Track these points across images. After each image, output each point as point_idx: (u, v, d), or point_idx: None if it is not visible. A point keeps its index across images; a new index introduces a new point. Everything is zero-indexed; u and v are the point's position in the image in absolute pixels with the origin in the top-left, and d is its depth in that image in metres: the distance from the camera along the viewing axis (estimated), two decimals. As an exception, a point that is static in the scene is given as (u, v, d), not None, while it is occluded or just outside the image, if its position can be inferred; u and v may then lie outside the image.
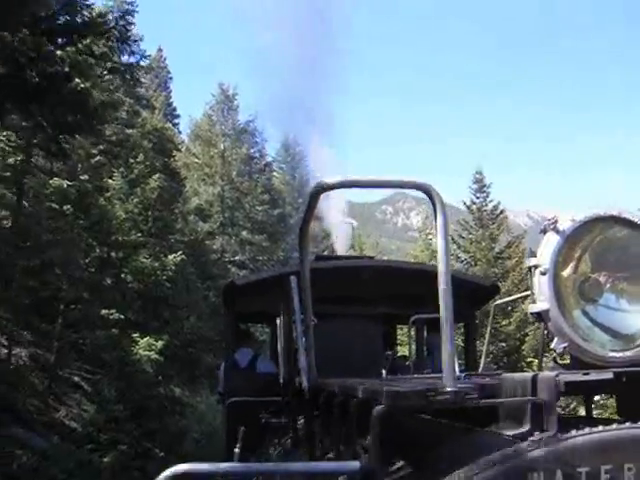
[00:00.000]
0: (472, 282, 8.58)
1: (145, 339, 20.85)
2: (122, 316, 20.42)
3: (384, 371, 6.70)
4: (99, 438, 14.56)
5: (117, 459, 13.76)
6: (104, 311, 19.88)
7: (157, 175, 23.55)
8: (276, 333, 7.05)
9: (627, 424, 2.12)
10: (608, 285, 2.54)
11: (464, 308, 7.47)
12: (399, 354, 10.72)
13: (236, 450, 6.37)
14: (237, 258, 37.77)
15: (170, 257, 22.20)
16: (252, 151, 40.48)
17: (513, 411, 2.35)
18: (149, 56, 34.80)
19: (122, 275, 21.03)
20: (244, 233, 38.03)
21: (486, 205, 30.37)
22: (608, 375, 2.34)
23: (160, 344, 21.05)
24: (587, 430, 2.06)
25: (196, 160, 39.62)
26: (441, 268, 2.18)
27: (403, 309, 7.48)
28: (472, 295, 7.68)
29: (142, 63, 35.45)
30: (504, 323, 27.55)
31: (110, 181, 22.87)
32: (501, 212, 30.46)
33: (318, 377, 3.63)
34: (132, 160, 23.47)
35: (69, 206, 18.98)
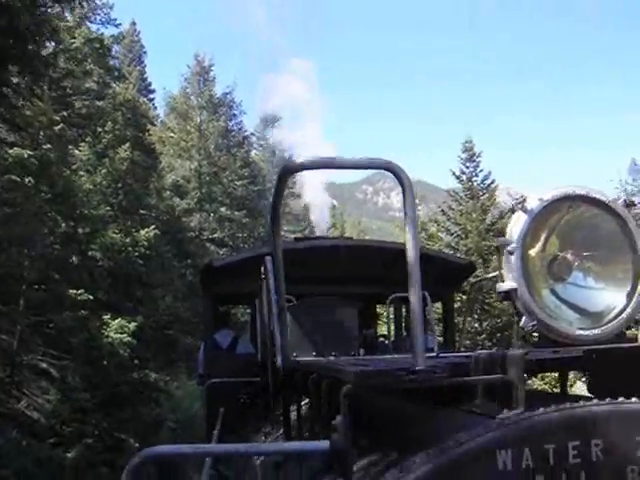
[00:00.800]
0: (448, 260, 8.61)
1: (117, 321, 19.35)
2: (91, 296, 18.94)
3: (362, 350, 6.69)
4: (63, 431, 13.09)
5: (82, 454, 12.28)
6: (72, 291, 18.41)
7: (127, 145, 21.86)
8: (255, 314, 7.11)
9: (594, 401, 2.12)
10: (576, 264, 2.59)
11: (441, 286, 7.59)
12: (380, 333, 10.69)
13: (215, 431, 6.33)
14: (216, 236, 36.17)
15: (142, 232, 20.59)
16: (230, 124, 38.66)
17: (483, 389, 2.37)
18: (120, 24, 33.15)
19: (90, 252, 19.44)
20: (223, 209, 36.34)
21: (476, 175, 28.94)
22: (577, 353, 2.39)
23: (133, 326, 19.55)
24: (554, 407, 2.06)
25: (171, 134, 37.89)
26: (409, 245, 2.18)
27: (383, 288, 7.51)
28: (449, 273, 7.76)
29: (113, 32, 33.89)
30: (496, 298, 26.30)
31: (77, 152, 21.25)
32: (492, 182, 29.04)
33: (296, 356, 3.67)
34: (100, 130, 21.78)
35: (30, 178, 17.42)
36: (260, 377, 6.00)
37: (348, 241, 9.28)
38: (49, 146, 18.48)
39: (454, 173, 28.83)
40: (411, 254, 2.17)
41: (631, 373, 2.38)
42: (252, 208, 37.44)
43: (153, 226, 21.01)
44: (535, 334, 2.65)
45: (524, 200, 2.55)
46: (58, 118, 19.16)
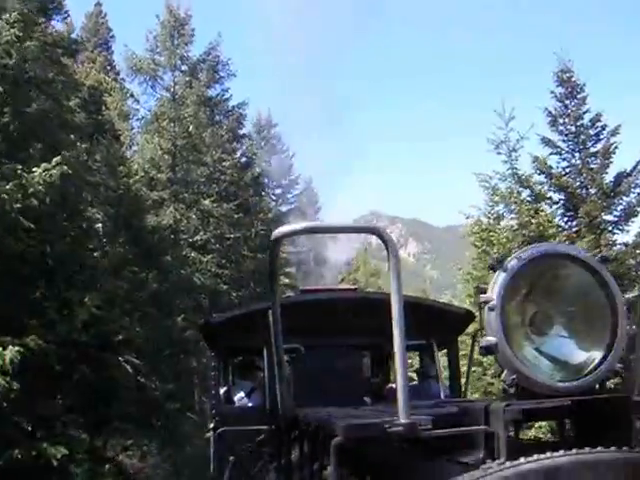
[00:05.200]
0: (448, 310, 8.86)
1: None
2: None
3: (367, 399, 6.86)
4: None
5: None
6: None
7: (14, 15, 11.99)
8: (264, 365, 7.46)
9: (573, 450, 2.15)
10: (556, 318, 2.75)
11: (445, 335, 7.92)
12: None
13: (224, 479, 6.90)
14: (197, 238, 26.17)
15: (38, 170, 10.63)
16: (214, 90, 28.87)
17: (468, 439, 2.54)
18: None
19: None
20: (206, 202, 26.33)
21: (582, 117, 19.21)
22: (564, 402, 2.54)
23: (12, 353, 9.65)
24: (535, 457, 2.11)
25: (136, 106, 28.30)
26: (395, 305, 2.34)
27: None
28: (450, 322, 7.96)
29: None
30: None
31: None
32: (604, 126, 19.23)
33: (304, 407, 3.89)
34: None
35: None
36: (268, 426, 6.06)
37: (355, 293, 9.55)
38: None
39: (550, 112, 19.12)
40: (396, 312, 2.33)
41: (614, 422, 2.53)
42: (246, 199, 27.49)
43: (57, 159, 10.85)
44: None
45: (503, 259, 2.68)
46: None
